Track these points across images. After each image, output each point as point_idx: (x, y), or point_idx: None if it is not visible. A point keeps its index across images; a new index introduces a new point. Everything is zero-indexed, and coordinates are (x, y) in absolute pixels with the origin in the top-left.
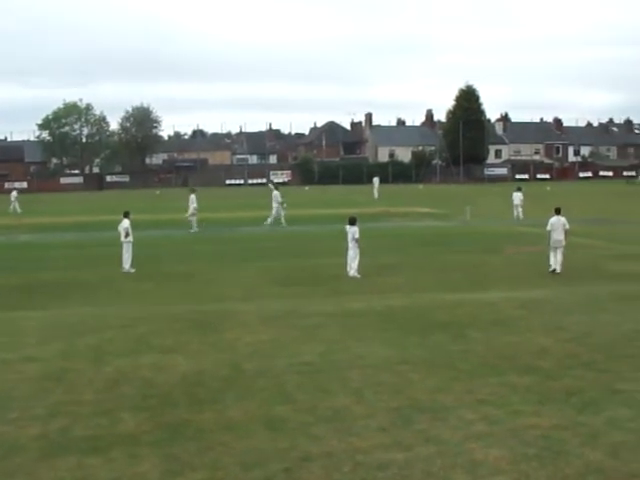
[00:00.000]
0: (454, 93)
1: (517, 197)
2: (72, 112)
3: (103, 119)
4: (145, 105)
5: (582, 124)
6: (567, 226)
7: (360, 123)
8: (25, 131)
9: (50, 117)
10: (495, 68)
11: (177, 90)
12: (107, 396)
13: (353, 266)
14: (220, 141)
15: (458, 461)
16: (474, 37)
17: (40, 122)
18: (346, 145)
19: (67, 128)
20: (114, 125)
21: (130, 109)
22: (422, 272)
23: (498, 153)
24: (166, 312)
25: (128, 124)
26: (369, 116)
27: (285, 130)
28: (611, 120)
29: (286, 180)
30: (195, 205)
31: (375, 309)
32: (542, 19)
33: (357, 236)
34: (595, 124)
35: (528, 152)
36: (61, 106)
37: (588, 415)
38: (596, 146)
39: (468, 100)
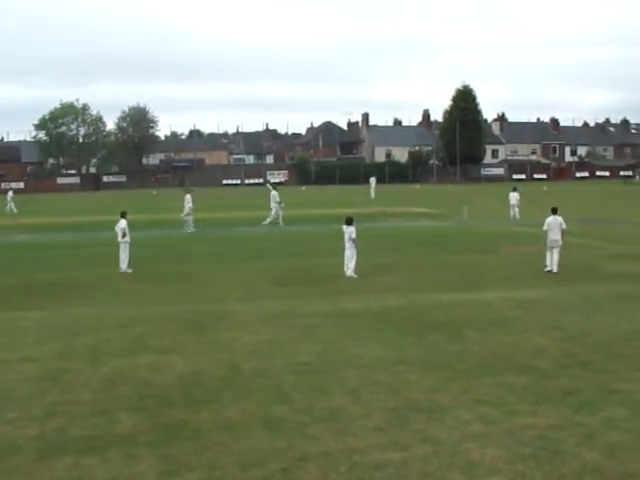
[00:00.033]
0: (451, 93)
1: (513, 197)
2: (69, 112)
3: (100, 119)
4: (142, 105)
5: (579, 124)
6: (564, 226)
7: (357, 123)
8: (22, 131)
9: (47, 117)
10: (491, 68)
11: (174, 90)
12: (104, 396)
13: (350, 266)
14: (217, 141)
15: (455, 461)
16: (471, 37)
17: (37, 122)
18: (343, 145)
19: (64, 128)
20: (111, 125)
21: (127, 109)
22: (419, 272)
23: (495, 153)
24: (163, 312)
25: (125, 124)
26: (366, 116)
27: (282, 130)
28: (608, 120)
29: (283, 180)
30: (190, 205)
31: (372, 309)
32: (539, 19)
33: (354, 236)
34: (592, 124)
35: (525, 152)
36: (58, 106)
37: (585, 415)
38: (593, 146)
39: (465, 100)
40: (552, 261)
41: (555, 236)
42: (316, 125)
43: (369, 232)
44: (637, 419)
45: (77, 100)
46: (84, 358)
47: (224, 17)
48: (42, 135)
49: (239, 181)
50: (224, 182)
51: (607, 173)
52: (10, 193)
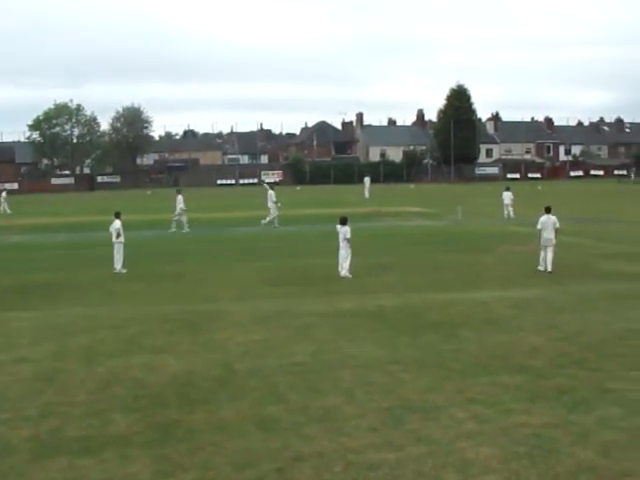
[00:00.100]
0: (445, 93)
1: (507, 196)
2: (63, 113)
3: (94, 119)
4: (136, 105)
5: (573, 123)
6: (557, 225)
7: (351, 123)
8: (16, 132)
9: (41, 118)
10: (485, 68)
11: (168, 90)
12: (98, 397)
13: (345, 266)
14: (211, 141)
15: (449, 460)
16: (465, 37)
17: (31, 123)
18: (337, 145)
19: (58, 129)
20: (105, 125)
21: (121, 109)
22: (413, 272)
23: (489, 152)
24: (157, 312)
25: (119, 124)
26: (360, 116)
27: (276, 130)
28: (602, 119)
29: (277, 180)
30: (182, 206)
31: (366, 309)
32: (533, 19)
33: (349, 236)
34: (586, 123)
35: (519, 151)
36: (52, 107)
37: (579, 414)
38: (587, 145)
39: (459, 99)
40: (546, 260)
41: (549, 235)
42: (310, 125)
43: (363, 232)
44: (631, 418)
45: (71, 100)
46: (79, 359)
47: (218, 17)
48: (36, 136)
49: (233, 181)
50: (218, 182)
51: (601, 172)
52: (3, 194)
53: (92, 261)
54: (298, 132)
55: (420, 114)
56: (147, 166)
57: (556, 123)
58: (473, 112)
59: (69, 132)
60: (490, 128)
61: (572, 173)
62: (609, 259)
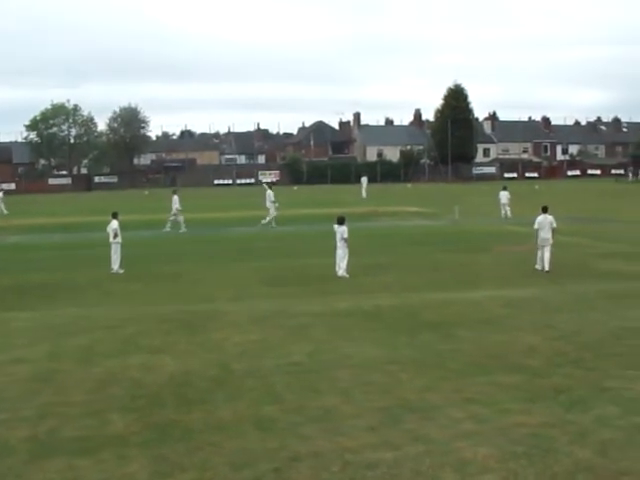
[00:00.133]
0: (442, 92)
1: (504, 196)
2: (60, 113)
3: (91, 120)
4: (133, 105)
5: (570, 123)
6: (554, 225)
7: (348, 123)
8: (13, 132)
9: (38, 118)
10: (483, 67)
11: (165, 90)
12: (96, 397)
13: (342, 266)
14: (208, 141)
15: (447, 460)
16: (462, 37)
17: (28, 123)
18: (334, 145)
19: (55, 129)
20: (102, 126)
21: (118, 110)
22: (411, 271)
23: (486, 152)
24: (154, 313)
25: (116, 125)
26: (357, 116)
27: (273, 130)
28: (599, 119)
29: (274, 180)
30: (178, 206)
31: (364, 309)
32: (530, 19)
33: (346, 235)
34: (583, 123)
35: (516, 151)
36: (49, 107)
37: (576, 413)
38: (584, 145)
39: (456, 99)
40: (543, 260)
41: (546, 235)
42: (307, 125)
43: (361, 232)
44: (628, 417)
45: (68, 101)
46: (76, 359)
47: (215, 18)
48: (33, 136)
49: (231, 181)
50: (215, 182)
51: (598, 172)
52: (0, 194)
53: (89, 261)
54: (295, 132)
55: (417, 114)
56: (144, 166)
57: (553, 122)
58: (470, 112)
59: (66, 132)
60: (487, 128)
61: (569, 172)
62: (606, 259)
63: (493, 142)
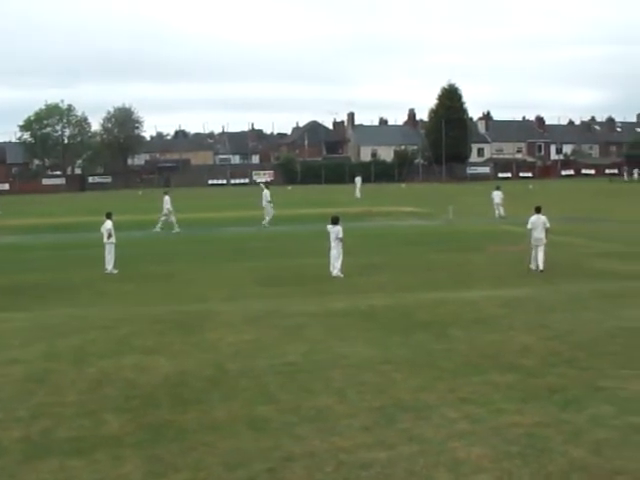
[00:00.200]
0: (436, 92)
1: (497, 196)
2: (54, 113)
3: (85, 120)
4: (127, 106)
5: (564, 122)
6: (547, 225)
7: (342, 123)
8: (6, 132)
9: (32, 118)
10: (477, 67)
11: (159, 90)
12: (90, 397)
13: (336, 265)
14: (202, 141)
15: (441, 460)
16: (456, 37)
17: (22, 123)
18: (328, 145)
19: (49, 129)
20: (96, 126)
21: (112, 110)
22: (405, 271)
23: (480, 152)
24: (148, 313)
25: (110, 125)
26: (351, 116)
27: (267, 130)
28: (593, 118)
29: (269, 180)
30: (169, 206)
31: (358, 309)
32: (523, 18)
33: (341, 235)
34: (577, 122)
35: (510, 150)
36: (43, 107)
37: (571, 413)
38: (578, 144)
39: (450, 99)
40: (537, 259)
41: (539, 235)
42: (302, 125)
43: (355, 232)
44: (623, 416)
45: (62, 101)
46: (70, 359)
47: (210, 18)
48: (27, 136)
49: (225, 181)
50: (210, 182)
51: (592, 171)
52: None
53: (83, 262)
54: (289, 132)
55: (411, 114)
56: (138, 166)
57: (547, 122)
58: (464, 111)
59: (60, 132)
60: (481, 127)
61: (563, 172)
62: (600, 258)
63: (487, 142)
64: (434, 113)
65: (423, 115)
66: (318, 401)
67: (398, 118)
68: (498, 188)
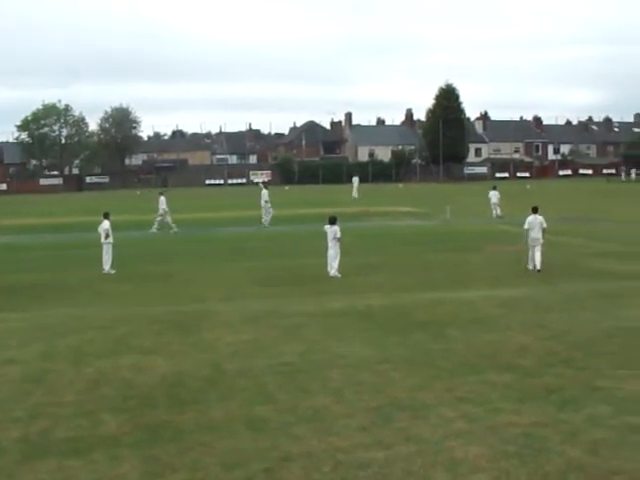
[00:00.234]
0: (434, 92)
1: (494, 195)
2: (51, 113)
3: (82, 120)
4: (124, 106)
5: (562, 122)
6: (544, 225)
7: (340, 123)
8: (4, 132)
9: (29, 118)
10: (474, 67)
11: (156, 90)
12: (87, 397)
13: (334, 265)
14: (200, 141)
15: (438, 459)
16: (454, 37)
17: (19, 123)
18: (326, 145)
19: (46, 129)
20: (93, 126)
21: (109, 110)
22: (402, 271)
23: (478, 152)
24: (146, 313)
25: (107, 125)
26: (349, 116)
27: (265, 130)
28: (590, 118)
29: (266, 180)
30: (164, 207)
31: (356, 309)
32: (521, 19)
33: (339, 235)
34: (575, 122)
35: (508, 150)
36: (40, 107)
37: (568, 412)
38: (576, 144)
39: (448, 99)
40: (534, 259)
41: (536, 235)
42: (299, 125)
43: (353, 232)
44: (620, 416)
45: (59, 101)
46: (67, 359)
47: (207, 18)
48: (24, 136)
49: (222, 181)
50: (207, 182)
51: (590, 171)
52: None
53: (81, 262)
54: (287, 132)
55: (409, 114)
56: (136, 166)
57: (545, 122)
58: (462, 111)
59: (57, 132)
60: (479, 127)
61: (561, 172)
62: (598, 258)
63: (484, 142)
64: (431, 113)
65: (420, 115)
66: (316, 401)
67: (395, 118)
68: (494, 188)
